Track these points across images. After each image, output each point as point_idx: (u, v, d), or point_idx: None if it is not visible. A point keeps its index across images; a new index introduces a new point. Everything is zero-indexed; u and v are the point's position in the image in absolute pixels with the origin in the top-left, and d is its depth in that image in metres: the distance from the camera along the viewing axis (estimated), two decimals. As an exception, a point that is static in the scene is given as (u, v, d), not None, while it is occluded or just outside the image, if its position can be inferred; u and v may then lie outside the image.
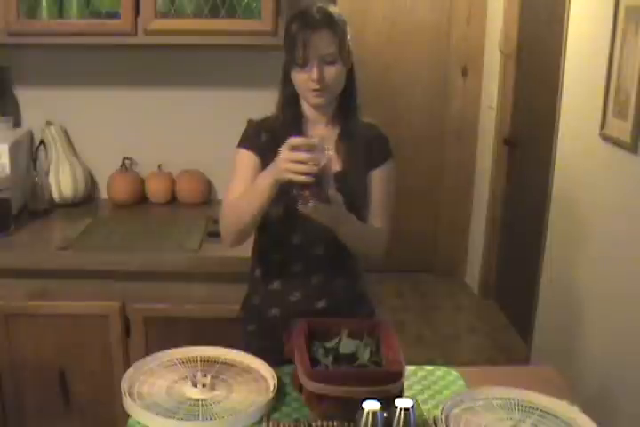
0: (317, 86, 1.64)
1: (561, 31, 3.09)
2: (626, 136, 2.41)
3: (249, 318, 1.88)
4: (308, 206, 1.48)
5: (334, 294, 1.79)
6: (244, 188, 1.69)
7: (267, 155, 1.69)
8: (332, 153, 1.50)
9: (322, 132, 1.75)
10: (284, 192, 1.70)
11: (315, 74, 1.62)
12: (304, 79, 1.65)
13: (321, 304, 1.78)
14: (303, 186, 1.46)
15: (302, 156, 1.45)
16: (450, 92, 4.48)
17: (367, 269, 1.90)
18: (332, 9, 1.68)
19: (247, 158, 1.74)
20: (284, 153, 1.48)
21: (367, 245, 1.76)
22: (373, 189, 1.76)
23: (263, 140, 1.74)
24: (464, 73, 4.43)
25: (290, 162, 1.46)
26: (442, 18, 4.41)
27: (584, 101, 2.86)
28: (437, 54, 4.46)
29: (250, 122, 1.81)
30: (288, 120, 1.74)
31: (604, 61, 2.59)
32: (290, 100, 1.74)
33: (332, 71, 1.64)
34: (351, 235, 1.68)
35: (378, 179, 1.76)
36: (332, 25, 1.64)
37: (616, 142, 2.52)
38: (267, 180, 1.56)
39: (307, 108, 1.75)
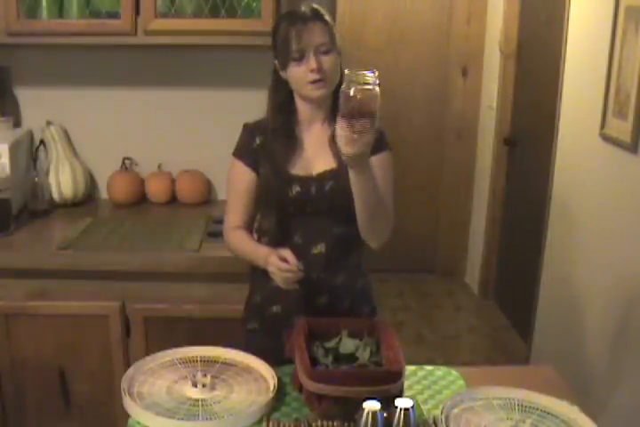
0: (317, 76, 1.65)
1: (561, 31, 3.09)
2: (626, 136, 2.41)
3: (250, 316, 1.88)
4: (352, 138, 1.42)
5: (335, 290, 1.80)
6: (241, 209, 1.80)
7: (261, 159, 1.76)
8: (378, 89, 1.41)
9: (316, 134, 1.77)
10: (282, 192, 1.71)
11: (313, 63, 1.64)
12: (302, 72, 1.66)
13: (322, 300, 1.78)
14: (348, 118, 1.41)
15: (286, 272, 1.61)
16: (450, 92, 4.48)
17: (368, 268, 1.90)
18: (317, 5, 1.73)
19: (240, 174, 1.79)
20: (276, 262, 1.62)
21: (376, 220, 1.68)
22: None
23: (257, 143, 1.77)
24: (464, 73, 4.43)
25: (278, 271, 1.62)
26: (442, 18, 4.41)
27: (584, 101, 2.86)
28: (437, 54, 4.46)
29: (244, 126, 1.83)
30: (280, 126, 1.75)
31: (603, 61, 2.59)
32: (282, 106, 1.75)
33: (328, 60, 1.66)
34: (367, 189, 1.58)
35: (373, 166, 1.73)
36: (321, 16, 1.69)
37: (616, 142, 2.52)
38: (260, 262, 1.70)
39: (302, 109, 1.76)
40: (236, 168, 1.80)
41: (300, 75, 1.67)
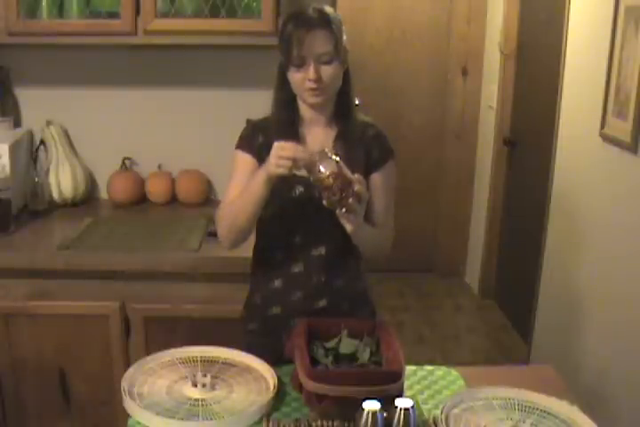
0: (314, 86, 1.64)
1: (561, 31, 3.09)
2: (626, 136, 2.41)
3: (250, 316, 1.88)
4: (342, 212, 1.54)
5: (335, 293, 1.80)
6: (239, 191, 1.71)
7: (263, 156, 1.72)
8: (337, 158, 1.51)
9: (319, 133, 1.76)
10: (285, 192, 1.71)
11: (311, 73, 1.62)
12: (301, 79, 1.65)
13: (322, 304, 1.78)
14: (327, 192, 1.51)
15: (289, 150, 1.52)
16: (450, 92, 4.48)
17: (368, 269, 1.90)
18: (328, 9, 1.68)
19: (244, 162, 1.75)
20: (274, 149, 1.54)
21: (377, 247, 1.79)
22: (376, 193, 1.75)
23: (260, 141, 1.75)
24: (464, 73, 4.43)
25: (279, 157, 1.52)
26: (442, 18, 4.41)
27: (584, 101, 2.86)
28: (437, 54, 4.46)
29: (248, 122, 1.81)
30: (283, 123, 1.74)
31: (603, 61, 2.59)
32: (286, 103, 1.74)
33: (328, 70, 1.64)
34: (365, 238, 1.69)
35: (380, 182, 1.76)
36: (328, 24, 1.64)
37: (616, 142, 2.52)
38: (260, 177, 1.60)
39: (304, 110, 1.75)
40: (240, 159, 1.76)
41: (298, 81, 1.66)
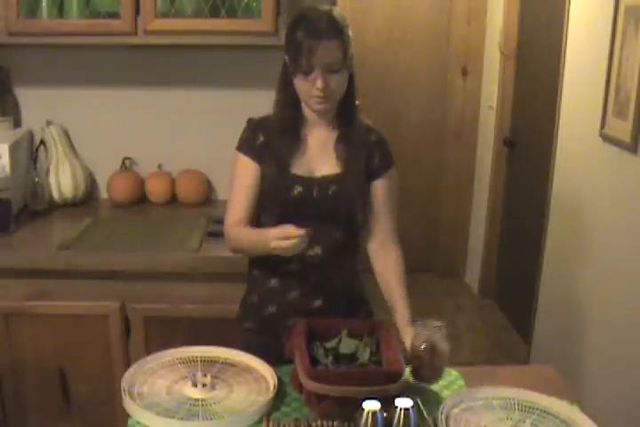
0: (322, 94, 1.64)
1: (561, 31, 3.09)
2: (626, 136, 2.41)
3: (246, 315, 1.88)
4: None
5: (331, 293, 1.80)
6: (245, 204, 1.76)
7: (264, 156, 1.74)
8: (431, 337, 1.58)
9: (321, 134, 1.76)
10: (283, 192, 1.71)
11: (320, 83, 1.62)
12: (307, 86, 1.64)
13: (318, 303, 1.79)
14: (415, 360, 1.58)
15: (288, 242, 1.56)
16: (450, 92, 4.48)
17: (366, 270, 1.90)
18: (336, 13, 1.66)
19: (245, 165, 1.77)
20: (275, 234, 1.59)
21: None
22: (379, 200, 1.78)
23: (261, 141, 1.76)
24: (464, 73, 4.43)
25: (279, 244, 1.57)
26: (442, 18, 4.41)
27: (584, 101, 2.85)
28: (437, 54, 4.46)
29: (249, 122, 1.81)
30: (287, 122, 1.74)
31: (603, 61, 2.59)
32: (289, 102, 1.74)
33: (336, 79, 1.64)
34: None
35: (383, 189, 1.78)
36: (339, 33, 1.62)
37: (616, 142, 2.52)
38: (265, 244, 1.61)
39: (307, 111, 1.75)
40: (240, 162, 1.77)
41: (305, 88, 1.65)
